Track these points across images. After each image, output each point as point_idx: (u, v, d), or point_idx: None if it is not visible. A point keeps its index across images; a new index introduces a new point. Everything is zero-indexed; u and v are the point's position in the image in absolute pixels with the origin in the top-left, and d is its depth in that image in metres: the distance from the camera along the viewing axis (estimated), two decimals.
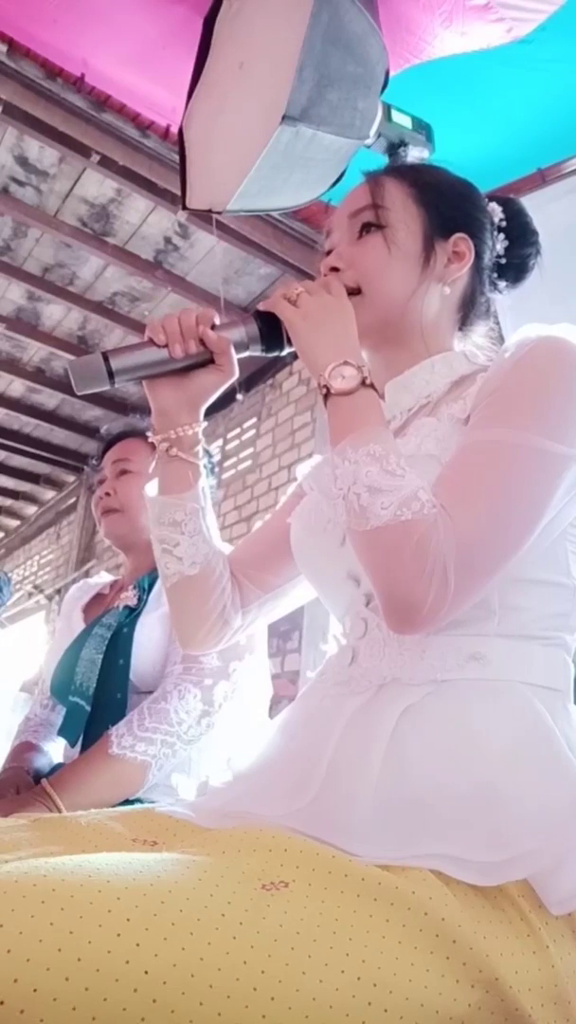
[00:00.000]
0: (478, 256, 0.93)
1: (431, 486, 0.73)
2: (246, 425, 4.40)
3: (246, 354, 0.91)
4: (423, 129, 1.77)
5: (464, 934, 0.57)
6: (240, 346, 0.90)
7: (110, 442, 1.71)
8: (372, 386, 0.79)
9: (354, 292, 0.89)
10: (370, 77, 1.62)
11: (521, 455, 0.72)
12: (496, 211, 0.97)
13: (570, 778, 0.69)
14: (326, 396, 0.79)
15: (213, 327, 0.88)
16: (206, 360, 0.90)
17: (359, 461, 0.72)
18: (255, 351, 0.90)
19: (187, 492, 0.93)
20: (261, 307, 0.88)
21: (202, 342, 0.88)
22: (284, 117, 1.53)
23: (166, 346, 0.87)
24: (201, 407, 0.93)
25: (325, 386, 0.79)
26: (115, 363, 0.85)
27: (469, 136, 2.16)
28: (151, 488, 0.96)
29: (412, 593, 0.68)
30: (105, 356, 0.85)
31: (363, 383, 0.79)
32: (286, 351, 0.89)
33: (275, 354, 0.91)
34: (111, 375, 0.84)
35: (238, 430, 4.47)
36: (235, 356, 0.90)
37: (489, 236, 0.95)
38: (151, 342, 0.88)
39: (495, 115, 2.13)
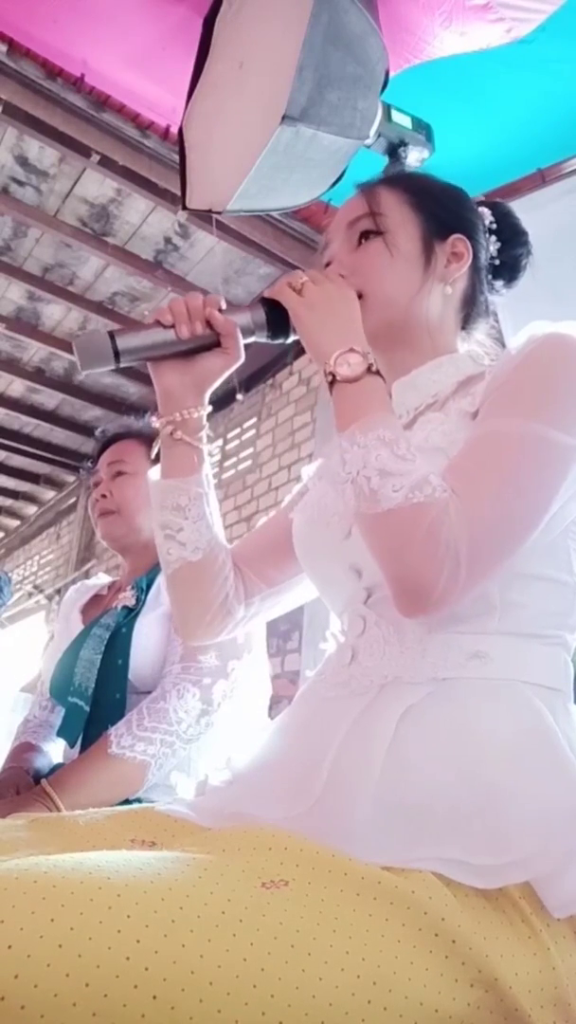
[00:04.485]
0: (475, 256, 0.95)
1: (441, 474, 0.73)
2: (246, 425, 4.40)
3: (252, 339, 0.91)
4: (423, 129, 1.77)
5: (464, 934, 0.57)
6: (246, 331, 0.89)
7: (105, 443, 1.70)
8: (378, 373, 0.79)
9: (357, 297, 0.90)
10: (370, 77, 1.62)
11: (529, 444, 0.72)
12: (486, 215, 0.99)
13: (571, 779, 0.68)
14: (332, 383, 0.79)
15: (220, 311, 0.88)
16: (212, 343, 0.89)
17: (368, 445, 0.72)
18: (261, 337, 0.90)
19: (191, 476, 0.93)
20: (267, 294, 0.88)
21: (208, 324, 0.88)
22: (284, 117, 1.53)
23: (173, 327, 0.87)
24: (206, 391, 0.92)
25: (331, 373, 0.79)
26: (121, 343, 0.84)
27: (469, 136, 2.16)
28: (154, 473, 0.95)
29: (424, 575, 0.69)
30: (112, 335, 0.84)
31: (368, 370, 0.79)
32: (291, 339, 0.89)
33: (280, 341, 0.90)
34: (117, 355, 0.84)
35: (238, 430, 4.47)
36: (241, 340, 0.90)
37: (483, 237, 0.97)
38: (158, 323, 0.87)
39: (495, 115, 2.13)
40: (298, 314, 0.84)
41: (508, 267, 1.00)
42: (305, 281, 0.86)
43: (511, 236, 1.00)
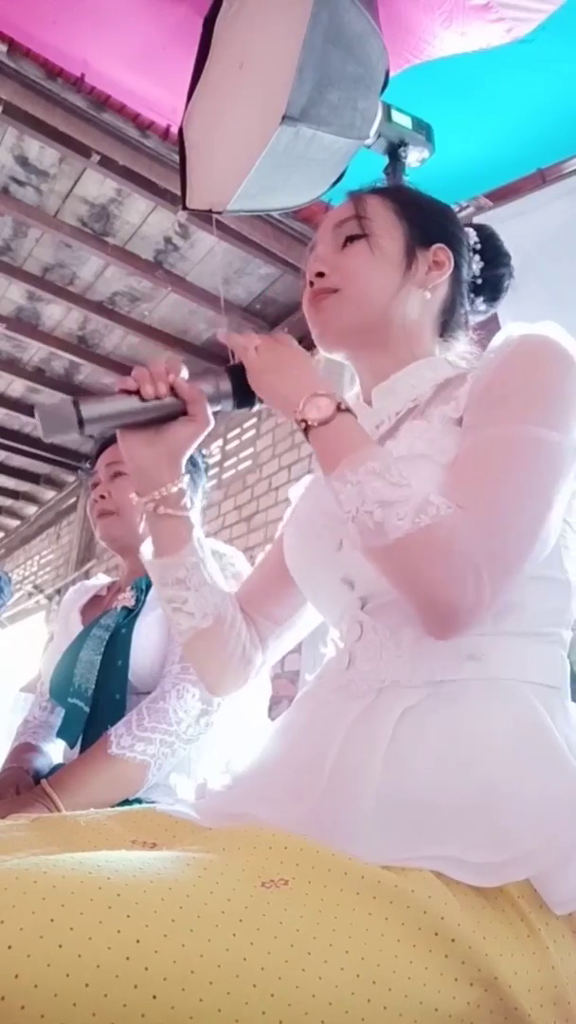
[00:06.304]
0: (456, 268, 0.97)
1: (438, 488, 0.73)
2: (246, 425, 4.41)
3: (217, 408, 0.90)
4: (423, 129, 1.77)
5: (463, 933, 0.57)
6: (212, 400, 0.89)
7: (103, 444, 1.70)
8: (348, 410, 0.79)
9: (332, 292, 0.92)
10: (370, 77, 1.62)
11: (526, 446, 0.73)
12: (471, 234, 1.02)
13: (570, 777, 0.69)
14: (307, 431, 0.79)
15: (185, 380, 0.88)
16: (178, 411, 0.88)
17: (361, 481, 0.72)
18: (226, 407, 0.89)
19: (183, 548, 0.92)
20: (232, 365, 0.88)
21: (173, 391, 0.87)
22: (284, 117, 1.53)
23: (137, 392, 0.86)
24: (180, 461, 0.91)
25: (303, 420, 0.79)
26: (85, 411, 0.83)
27: (469, 136, 2.16)
28: (146, 551, 0.95)
29: (450, 596, 0.69)
30: (75, 402, 0.83)
31: (339, 408, 0.78)
32: (257, 407, 0.88)
33: (246, 409, 0.90)
34: (81, 423, 0.82)
35: (238, 430, 4.47)
36: (208, 407, 0.89)
37: (467, 253, 1.00)
38: (122, 392, 0.86)
39: (495, 115, 2.13)
40: (255, 379, 0.84)
41: (490, 286, 1.03)
42: (258, 345, 0.86)
43: (494, 256, 1.02)
